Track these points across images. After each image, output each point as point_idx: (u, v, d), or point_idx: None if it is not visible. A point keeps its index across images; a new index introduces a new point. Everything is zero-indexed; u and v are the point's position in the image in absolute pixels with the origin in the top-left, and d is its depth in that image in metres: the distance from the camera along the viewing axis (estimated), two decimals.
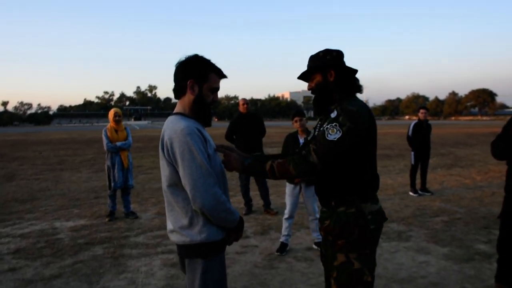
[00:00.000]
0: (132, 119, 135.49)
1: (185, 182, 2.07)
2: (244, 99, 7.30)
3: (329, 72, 2.37)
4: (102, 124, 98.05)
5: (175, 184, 2.15)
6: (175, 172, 2.13)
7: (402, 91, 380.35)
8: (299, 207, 5.45)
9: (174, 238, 2.22)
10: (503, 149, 3.46)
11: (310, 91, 2.50)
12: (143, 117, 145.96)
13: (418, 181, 8.55)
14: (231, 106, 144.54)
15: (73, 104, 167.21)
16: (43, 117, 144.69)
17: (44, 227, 6.33)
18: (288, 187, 5.26)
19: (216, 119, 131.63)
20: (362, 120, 2.20)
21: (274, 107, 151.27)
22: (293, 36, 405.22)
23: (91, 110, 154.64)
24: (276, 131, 34.00)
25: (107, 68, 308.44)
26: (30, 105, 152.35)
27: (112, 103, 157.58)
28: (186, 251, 2.20)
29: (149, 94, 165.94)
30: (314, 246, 5.18)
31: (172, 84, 2.31)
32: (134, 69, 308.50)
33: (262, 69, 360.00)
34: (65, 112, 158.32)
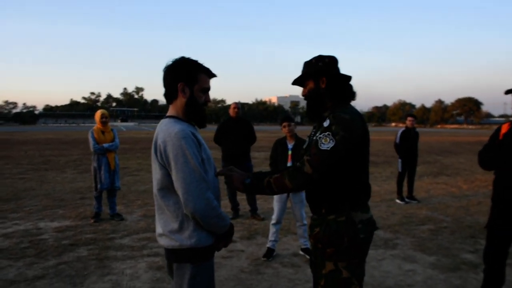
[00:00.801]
0: (119, 121, 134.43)
1: (178, 186, 2.05)
2: (236, 103, 7.27)
3: (321, 79, 2.36)
4: (88, 125, 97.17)
5: (167, 187, 2.13)
6: (167, 176, 2.11)
7: (389, 98, 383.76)
8: (286, 213, 5.44)
9: (163, 242, 2.19)
10: (490, 159, 3.49)
11: (302, 97, 2.49)
12: (130, 119, 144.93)
13: (405, 188, 8.61)
14: (219, 109, 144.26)
15: (59, 104, 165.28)
16: (28, 116, 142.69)
17: (28, 227, 6.23)
18: None
19: None
20: (355, 128, 2.19)
21: (262, 112, 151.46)
22: (281, 41, 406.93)
23: (78, 111, 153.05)
24: (263, 135, 33.99)
25: (94, 69, 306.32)
26: (15, 104, 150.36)
27: (99, 104, 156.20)
28: (175, 256, 2.17)
29: (136, 96, 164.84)
30: (301, 252, 5.16)
31: (160, 87, 2.29)
32: (121, 70, 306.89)
33: (250, 74, 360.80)
34: (51, 112, 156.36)
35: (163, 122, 2.22)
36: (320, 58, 2.38)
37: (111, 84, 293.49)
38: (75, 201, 8.21)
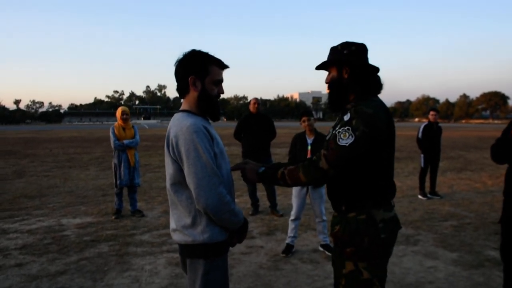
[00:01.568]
0: (142, 118, 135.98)
1: (190, 180, 2.02)
2: (256, 99, 7.26)
3: (345, 68, 2.21)
4: (111, 123, 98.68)
5: (179, 182, 2.11)
6: (179, 170, 2.08)
7: (412, 93, 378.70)
8: (306, 209, 5.40)
9: (177, 237, 2.18)
10: (502, 152, 3.39)
11: (325, 88, 2.34)
12: (153, 116, 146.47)
13: (427, 184, 8.46)
14: (240, 106, 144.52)
15: (83, 102, 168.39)
16: (54, 115, 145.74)
17: (51, 224, 6.35)
18: (295, 189, 5.21)
19: (225, 119, 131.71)
20: (378, 123, 2.06)
21: (283, 108, 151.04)
22: (302, 36, 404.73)
23: (101, 109, 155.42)
24: (284, 131, 33.97)
25: (117, 68, 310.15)
26: (41, 104, 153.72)
27: (122, 102, 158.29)
28: (188, 251, 2.15)
29: (158, 94, 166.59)
30: (320, 248, 5.13)
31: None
32: (144, 68, 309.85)
33: (272, 70, 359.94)
34: (75, 111, 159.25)
35: (176, 116, 2.20)
36: (346, 45, 2.22)
37: (134, 82, 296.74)
38: (97, 198, 8.34)
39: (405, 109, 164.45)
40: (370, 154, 2.07)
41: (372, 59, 2.26)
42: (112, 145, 6.75)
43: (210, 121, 2.33)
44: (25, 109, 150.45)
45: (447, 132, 34.38)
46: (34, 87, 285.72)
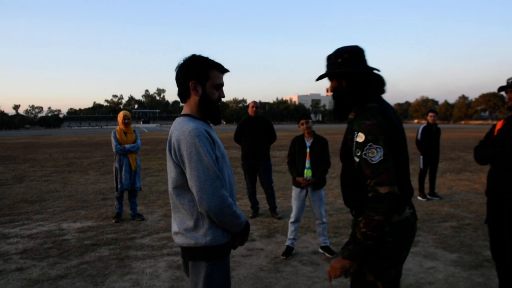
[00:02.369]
0: (141, 122, 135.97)
1: (192, 184, 2.04)
2: (254, 102, 7.28)
3: (343, 78, 2.23)
4: (111, 127, 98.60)
5: (182, 186, 2.13)
6: (181, 174, 2.11)
7: (411, 95, 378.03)
8: (305, 211, 5.41)
9: (179, 240, 2.20)
10: (484, 154, 3.48)
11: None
12: (152, 120, 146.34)
13: (426, 185, 8.47)
14: (239, 109, 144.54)
15: (82, 107, 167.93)
16: (53, 120, 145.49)
17: (51, 228, 6.36)
18: (295, 191, 5.23)
19: (224, 122, 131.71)
20: (383, 128, 2.07)
21: (282, 111, 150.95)
22: (302, 39, 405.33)
23: (100, 113, 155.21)
24: (284, 134, 33.96)
25: (116, 72, 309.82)
26: (41, 109, 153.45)
27: (121, 106, 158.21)
28: (190, 254, 2.17)
29: (157, 97, 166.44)
30: (320, 250, 5.14)
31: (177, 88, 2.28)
32: (143, 72, 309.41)
33: (271, 73, 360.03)
34: (75, 115, 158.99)
35: (178, 121, 2.22)
36: (339, 54, 2.22)
37: (133, 86, 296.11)
38: (97, 202, 8.35)
39: (404, 110, 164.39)
40: None
41: (371, 61, 2.27)
42: (114, 150, 6.77)
43: (211, 124, 2.35)
44: (24, 114, 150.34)
45: (446, 133, 34.43)
46: (33, 92, 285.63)
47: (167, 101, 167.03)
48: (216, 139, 2.20)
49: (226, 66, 2.29)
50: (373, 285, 2.13)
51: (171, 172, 2.18)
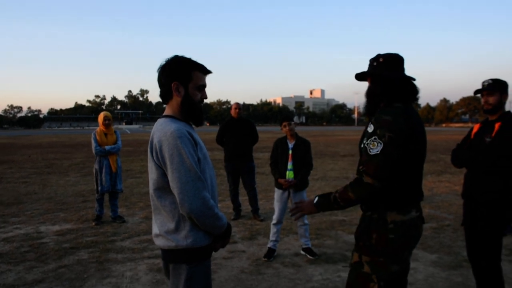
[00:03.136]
0: (124, 123, 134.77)
1: (174, 185, 2.03)
2: (237, 104, 7.26)
3: (375, 79, 2.40)
4: (92, 128, 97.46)
5: (163, 187, 2.11)
6: (163, 176, 2.09)
7: None
8: (287, 213, 5.40)
9: (159, 242, 2.17)
10: (461, 157, 3.53)
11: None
12: (135, 121, 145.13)
13: None
14: (223, 111, 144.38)
15: (63, 107, 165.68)
16: (33, 120, 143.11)
17: (29, 231, 6.23)
18: (277, 193, 5.21)
19: (208, 124, 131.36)
20: (399, 128, 2.18)
21: (266, 112, 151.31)
22: (286, 42, 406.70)
23: (82, 114, 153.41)
24: (267, 136, 33.98)
25: (98, 72, 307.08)
26: (20, 108, 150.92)
27: (104, 107, 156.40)
28: (171, 256, 2.15)
29: (140, 98, 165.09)
30: (302, 252, 5.13)
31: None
32: (125, 73, 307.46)
33: (255, 75, 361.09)
34: (55, 116, 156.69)
35: (159, 122, 2.20)
36: (376, 57, 2.40)
37: (116, 87, 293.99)
38: (77, 204, 8.22)
39: None
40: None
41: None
42: (94, 151, 6.68)
43: (193, 126, 2.33)
44: (2, 113, 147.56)
45: (428, 135, 34.72)
46: (12, 91, 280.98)
47: (151, 102, 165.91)
48: (198, 141, 2.18)
49: (209, 68, 2.28)
50: (369, 277, 2.25)
51: (152, 174, 2.15)
